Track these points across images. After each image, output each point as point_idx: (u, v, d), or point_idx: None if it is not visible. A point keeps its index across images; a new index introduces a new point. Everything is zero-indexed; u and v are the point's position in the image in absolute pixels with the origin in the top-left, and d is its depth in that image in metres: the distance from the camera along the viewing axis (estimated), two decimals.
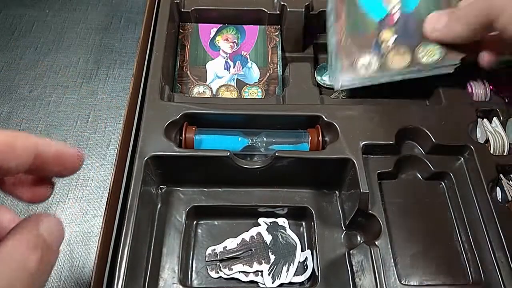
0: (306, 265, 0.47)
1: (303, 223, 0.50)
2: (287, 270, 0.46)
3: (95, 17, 0.75)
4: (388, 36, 0.50)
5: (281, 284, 0.46)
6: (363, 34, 0.51)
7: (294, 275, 0.46)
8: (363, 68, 0.50)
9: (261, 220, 0.49)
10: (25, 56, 0.69)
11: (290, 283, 0.46)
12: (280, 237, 0.48)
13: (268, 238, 0.48)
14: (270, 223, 0.49)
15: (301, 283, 0.47)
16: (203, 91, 0.58)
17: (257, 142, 0.50)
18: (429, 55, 0.48)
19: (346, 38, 0.51)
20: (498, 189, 0.47)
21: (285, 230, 0.49)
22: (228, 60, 0.60)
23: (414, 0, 0.50)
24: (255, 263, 0.47)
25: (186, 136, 0.49)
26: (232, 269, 0.46)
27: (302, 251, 0.48)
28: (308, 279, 0.47)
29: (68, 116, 0.63)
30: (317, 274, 0.46)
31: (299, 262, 0.47)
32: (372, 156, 0.48)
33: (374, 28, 0.51)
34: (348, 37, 0.51)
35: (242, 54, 0.61)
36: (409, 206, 0.49)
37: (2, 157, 0.24)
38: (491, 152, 0.48)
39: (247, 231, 0.49)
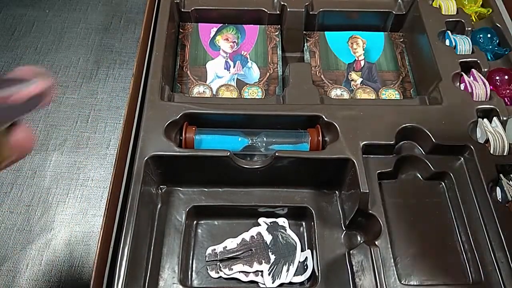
0: (306, 265, 0.47)
1: (303, 223, 0.50)
2: (287, 270, 0.46)
3: (95, 17, 0.75)
4: (356, 77, 0.60)
5: (281, 284, 0.46)
6: (335, 71, 0.60)
7: (294, 275, 0.46)
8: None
9: (261, 220, 0.49)
10: (25, 56, 0.69)
11: (290, 283, 0.46)
12: (280, 237, 0.48)
13: (268, 238, 0.48)
14: (270, 223, 0.49)
15: (301, 283, 0.47)
16: (203, 91, 0.58)
17: (257, 142, 0.50)
18: (390, 97, 0.58)
19: (320, 72, 0.60)
20: (498, 189, 0.47)
21: (285, 230, 0.49)
22: (228, 60, 0.60)
23: (376, 54, 0.62)
24: (255, 263, 0.47)
25: (186, 136, 0.49)
26: (232, 269, 0.46)
27: (302, 251, 0.48)
28: (308, 279, 0.47)
29: (68, 116, 0.63)
30: (317, 274, 0.46)
31: (299, 262, 0.47)
32: (372, 156, 0.48)
33: (344, 68, 0.61)
34: (322, 71, 0.60)
35: (242, 54, 0.61)
36: (409, 206, 0.49)
37: None
38: (491, 152, 0.48)
39: (247, 231, 0.49)
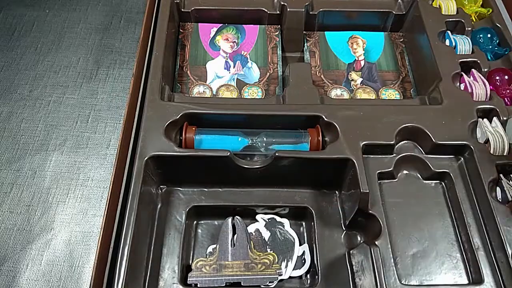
0: (304, 258, 0.47)
1: (303, 223, 0.50)
2: (286, 266, 0.46)
3: (95, 17, 0.75)
4: (356, 77, 0.60)
5: (281, 280, 0.46)
6: (335, 71, 0.60)
7: (292, 270, 0.46)
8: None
9: (259, 216, 0.49)
10: (25, 56, 0.69)
11: (289, 277, 0.46)
12: (278, 233, 0.48)
13: (266, 234, 0.48)
14: (268, 219, 0.49)
15: (300, 277, 0.47)
16: (203, 91, 0.58)
17: (257, 142, 0.50)
18: (390, 97, 0.58)
19: (320, 72, 0.60)
20: (498, 189, 0.47)
21: (283, 226, 0.49)
22: (228, 60, 0.60)
23: (376, 54, 0.62)
24: None
25: (186, 136, 0.49)
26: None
27: (300, 245, 0.48)
28: (307, 272, 0.47)
29: (68, 116, 0.63)
30: (315, 268, 0.46)
31: (297, 256, 0.47)
32: (372, 156, 0.48)
33: (344, 68, 0.61)
34: (322, 71, 0.60)
35: (242, 54, 0.61)
36: (409, 206, 0.49)
37: None
38: (491, 152, 0.48)
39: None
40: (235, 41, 0.62)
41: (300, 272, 0.47)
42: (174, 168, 0.48)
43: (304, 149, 0.49)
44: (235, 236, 0.47)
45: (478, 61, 0.55)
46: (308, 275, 0.47)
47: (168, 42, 0.56)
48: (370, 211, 0.45)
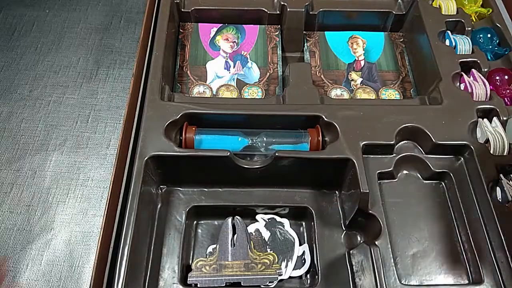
0: (304, 258, 0.47)
1: (303, 223, 0.50)
2: (286, 266, 0.46)
3: (95, 17, 0.75)
4: (356, 77, 0.60)
5: (281, 280, 0.46)
6: (335, 71, 0.61)
7: (292, 270, 0.46)
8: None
9: (259, 216, 0.49)
10: (25, 56, 0.69)
11: (290, 277, 0.46)
12: (278, 233, 0.48)
13: (266, 234, 0.48)
14: (268, 219, 0.49)
15: (300, 277, 0.47)
16: (203, 91, 0.58)
17: (257, 142, 0.50)
18: (390, 97, 0.58)
19: (320, 72, 0.60)
20: (498, 189, 0.47)
21: (283, 226, 0.49)
22: (228, 60, 0.60)
23: (376, 54, 0.62)
24: None
25: (186, 136, 0.49)
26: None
27: (300, 245, 0.48)
28: (307, 272, 0.47)
29: (68, 116, 0.63)
30: (315, 268, 0.46)
31: (297, 256, 0.47)
32: (372, 156, 0.48)
33: (344, 68, 0.61)
34: (322, 71, 0.60)
35: (242, 54, 0.61)
36: (409, 206, 0.49)
37: None
38: (491, 152, 0.48)
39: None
40: (235, 41, 0.62)
41: (300, 272, 0.47)
42: (174, 168, 0.48)
43: (304, 149, 0.49)
44: (235, 236, 0.47)
45: (478, 61, 0.55)
46: (308, 275, 0.47)
47: (168, 42, 0.56)
48: (370, 211, 0.45)
